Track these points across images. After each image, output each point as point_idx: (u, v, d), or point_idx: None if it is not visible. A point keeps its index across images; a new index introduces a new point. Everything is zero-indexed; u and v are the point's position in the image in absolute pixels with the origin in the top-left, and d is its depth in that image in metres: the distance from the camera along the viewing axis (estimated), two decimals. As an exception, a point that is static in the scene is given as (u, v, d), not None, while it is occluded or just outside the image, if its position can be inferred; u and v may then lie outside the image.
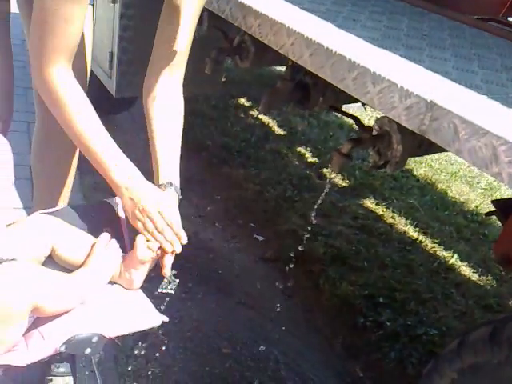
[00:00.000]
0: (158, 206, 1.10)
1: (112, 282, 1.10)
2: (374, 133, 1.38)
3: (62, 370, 1.49)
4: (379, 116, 1.34)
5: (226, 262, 2.23)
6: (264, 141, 3.14)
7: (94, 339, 0.96)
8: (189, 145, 2.28)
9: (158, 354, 1.69)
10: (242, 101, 3.52)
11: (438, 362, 1.28)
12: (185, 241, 1.13)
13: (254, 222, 2.47)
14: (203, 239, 2.29)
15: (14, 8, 1.42)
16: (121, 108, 2.87)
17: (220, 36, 1.71)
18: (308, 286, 2.21)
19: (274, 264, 2.26)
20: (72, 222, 1.11)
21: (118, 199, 1.19)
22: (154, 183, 1.17)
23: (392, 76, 0.97)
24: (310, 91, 1.52)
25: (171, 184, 1.17)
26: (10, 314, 0.89)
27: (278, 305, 2.05)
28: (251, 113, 3.45)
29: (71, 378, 1.40)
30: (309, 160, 3.07)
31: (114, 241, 1.10)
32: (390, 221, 2.74)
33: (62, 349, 0.94)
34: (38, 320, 0.98)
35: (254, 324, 1.96)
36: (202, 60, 1.68)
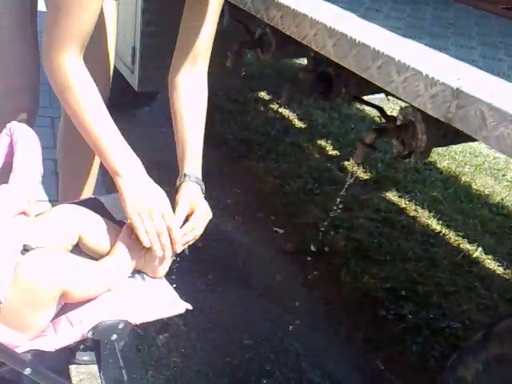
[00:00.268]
0: (162, 206, 1.08)
1: (137, 271, 1.13)
2: (398, 123, 1.39)
3: (86, 358, 1.55)
4: (403, 106, 1.35)
5: (246, 254, 2.25)
6: (284, 134, 3.16)
7: (120, 326, 1.00)
8: (209, 139, 2.31)
9: (179, 344, 1.74)
10: (262, 94, 3.54)
11: (462, 353, 1.28)
12: (178, 250, 1.09)
13: (274, 214, 2.49)
14: (223, 232, 2.32)
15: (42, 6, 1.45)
16: (143, 102, 2.92)
17: (241, 29, 1.72)
18: (329, 278, 2.22)
19: (294, 257, 2.28)
20: (98, 210, 1.14)
21: None
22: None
23: (417, 64, 0.98)
24: (333, 82, 1.53)
25: (195, 176, 1.18)
26: (39, 298, 0.92)
27: (298, 297, 2.08)
28: (271, 106, 3.48)
29: (95, 367, 1.44)
30: (330, 153, 3.08)
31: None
32: (413, 213, 2.73)
33: (89, 335, 0.97)
34: (66, 306, 1.02)
35: (274, 316, 1.98)
36: (223, 53, 1.69)
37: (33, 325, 0.96)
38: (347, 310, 2.07)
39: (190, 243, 1.15)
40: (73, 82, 1.10)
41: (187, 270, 1.94)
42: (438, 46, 1.09)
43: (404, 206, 2.78)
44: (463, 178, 3.15)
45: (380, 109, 1.45)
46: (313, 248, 2.29)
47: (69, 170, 1.68)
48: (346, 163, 2.97)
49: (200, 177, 1.22)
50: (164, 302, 1.08)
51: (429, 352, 1.92)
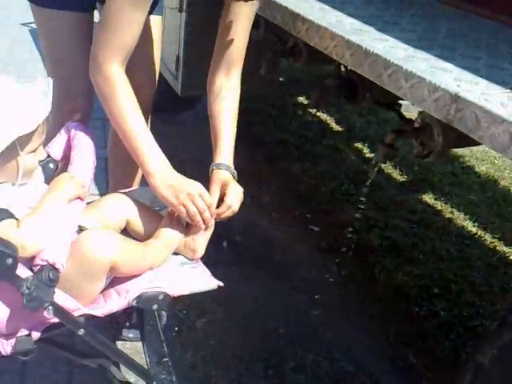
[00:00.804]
0: (197, 188, 1.27)
1: (176, 253, 1.33)
2: (416, 125, 1.53)
3: (131, 335, 1.73)
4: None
5: (282, 249, 2.41)
6: (321, 137, 3.31)
7: (160, 297, 1.19)
8: (248, 140, 2.49)
9: (216, 329, 1.91)
10: (301, 99, 3.70)
11: (481, 341, 1.40)
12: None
13: (309, 213, 2.64)
14: (260, 227, 2.49)
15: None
16: (185, 106, 3.14)
17: (274, 39, 1.91)
18: (362, 275, 2.34)
19: (329, 253, 2.41)
20: (143, 200, 1.35)
21: None
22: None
23: (422, 73, 1.13)
24: (358, 87, 1.69)
25: (225, 165, 1.38)
26: (92, 270, 1.13)
27: (332, 291, 2.22)
28: (309, 110, 3.63)
29: (139, 344, 1.64)
30: (366, 156, 3.21)
31: (178, 216, 1.32)
32: (449, 215, 2.83)
33: (134, 303, 1.17)
34: (114, 281, 1.22)
35: (308, 309, 2.12)
36: (258, 62, 1.88)
37: (86, 294, 1.16)
38: (380, 305, 2.19)
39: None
40: (114, 90, 1.30)
41: (225, 261, 2.13)
42: (445, 56, 1.23)
43: (440, 208, 2.88)
44: (502, 183, 3.20)
45: (398, 112, 1.60)
46: (345, 246, 2.42)
47: (117, 168, 1.90)
48: (382, 166, 3.09)
49: (231, 166, 1.40)
50: (198, 279, 1.27)
51: (460, 348, 2.00)
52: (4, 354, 1.12)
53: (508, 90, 1.10)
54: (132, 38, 1.32)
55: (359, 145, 3.32)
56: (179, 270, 1.28)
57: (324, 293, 2.21)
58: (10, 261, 0.99)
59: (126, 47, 1.31)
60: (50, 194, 1.14)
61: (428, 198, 2.95)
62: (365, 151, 3.25)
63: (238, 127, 1.46)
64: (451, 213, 2.84)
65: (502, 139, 1.00)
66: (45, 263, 1.05)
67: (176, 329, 1.87)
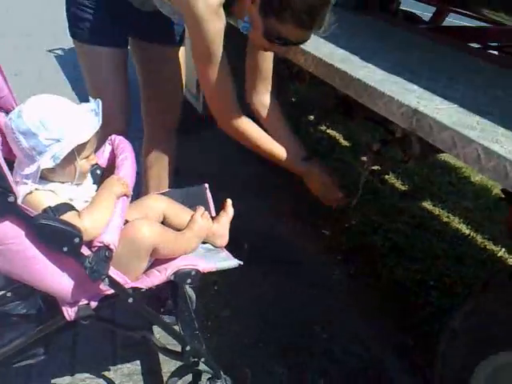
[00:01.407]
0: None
1: (204, 242, 1.60)
2: (398, 135, 1.79)
3: (168, 320, 1.99)
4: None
5: (297, 250, 2.63)
6: (331, 151, 3.55)
7: (193, 273, 1.44)
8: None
9: (239, 319, 2.11)
10: (311, 117, 3.97)
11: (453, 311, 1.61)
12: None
13: (321, 219, 2.88)
14: (277, 232, 2.72)
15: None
16: (204, 126, 3.41)
17: (282, 66, 2.20)
18: (368, 271, 2.55)
19: (339, 253, 2.64)
20: (175, 199, 1.64)
21: (205, 185, 1.71)
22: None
23: (392, 93, 1.40)
24: (352, 106, 1.96)
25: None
26: (138, 250, 1.39)
27: (342, 286, 2.42)
28: (320, 128, 3.89)
29: (175, 328, 1.89)
30: (372, 167, 3.44)
31: (206, 212, 1.61)
32: (445, 220, 3.05)
33: (172, 277, 1.43)
34: (154, 263, 1.49)
35: (320, 301, 2.32)
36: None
37: (133, 271, 1.42)
38: (383, 297, 2.39)
39: None
40: (252, 138, 1.77)
41: (245, 261, 2.38)
42: (412, 79, 1.50)
43: (437, 213, 3.11)
44: (495, 191, 3.39)
45: (383, 125, 1.86)
46: (353, 246, 2.66)
47: (150, 172, 2.17)
48: (386, 176, 3.33)
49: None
50: (223, 259, 1.54)
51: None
52: (68, 318, 1.38)
53: (456, 105, 1.36)
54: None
55: (365, 158, 3.55)
56: (207, 253, 1.56)
57: (334, 287, 2.42)
58: (76, 240, 1.26)
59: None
60: (103, 191, 1.41)
61: (427, 204, 3.18)
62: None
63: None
64: (447, 217, 3.07)
65: (448, 142, 1.26)
66: (101, 244, 1.30)
67: (203, 319, 2.07)
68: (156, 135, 2.17)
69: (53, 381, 1.75)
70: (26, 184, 1.32)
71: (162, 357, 1.88)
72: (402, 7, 3.01)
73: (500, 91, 1.56)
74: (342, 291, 2.41)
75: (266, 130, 1.82)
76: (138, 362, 1.87)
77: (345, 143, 3.75)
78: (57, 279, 1.31)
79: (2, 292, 1.32)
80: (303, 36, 1.55)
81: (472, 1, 2.38)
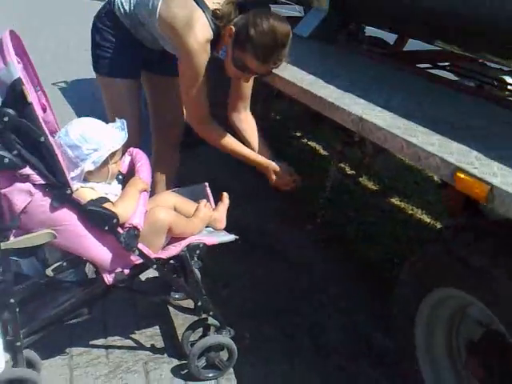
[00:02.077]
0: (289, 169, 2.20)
1: (207, 226, 2.01)
2: (356, 139, 2.22)
3: (177, 296, 2.38)
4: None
5: (284, 242, 2.99)
6: (311, 159, 3.98)
7: (201, 245, 1.86)
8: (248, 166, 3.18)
9: (238, 296, 2.46)
10: (295, 132, 4.41)
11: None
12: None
13: (304, 216, 3.24)
14: (269, 228, 3.10)
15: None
16: (198, 141, 3.81)
17: (265, 88, 2.62)
18: (344, 256, 2.94)
19: (320, 242, 3.02)
20: (182, 195, 2.05)
21: (206, 183, 2.13)
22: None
23: (345, 105, 1.81)
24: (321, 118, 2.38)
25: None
26: (159, 228, 1.80)
27: (323, 268, 2.79)
28: (302, 141, 4.32)
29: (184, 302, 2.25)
30: (348, 172, 3.87)
31: (208, 203, 2.01)
32: (410, 212, 3.46)
33: (184, 249, 1.84)
34: (170, 241, 1.90)
35: (305, 280, 2.68)
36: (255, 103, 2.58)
37: (154, 246, 1.82)
38: (357, 274, 2.77)
39: None
40: (223, 139, 2.17)
41: (239, 250, 2.76)
42: (361, 95, 1.92)
43: (403, 206, 3.52)
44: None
45: (344, 130, 2.28)
46: (331, 236, 3.05)
47: (157, 175, 2.55)
48: (360, 179, 3.75)
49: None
50: (223, 235, 1.96)
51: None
52: (107, 283, 1.79)
53: (390, 113, 1.78)
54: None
55: (341, 164, 3.99)
56: (210, 232, 1.97)
57: (316, 269, 2.79)
58: (114, 221, 1.66)
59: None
60: (129, 188, 1.82)
61: (394, 200, 3.60)
62: (346, 169, 3.91)
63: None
64: (411, 210, 3.48)
65: (382, 138, 1.67)
66: (131, 225, 1.70)
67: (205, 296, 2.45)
68: (162, 149, 2.59)
69: (91, 342, 2.13)
70: (73, 184, 1.72)
71: (176, 322, 2.26)
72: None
73: (426, 100, 1.99)
74: (321, 272, 2.78)
75: (243, 139, 2.23)
76: (157, 327, 2.25)
77: (324, 153, 4.16)
78: (100, 251, 1.72)
79: (59, 263, 1.71)
80: (261, 68, 1.96)
81: (426, 33, 2.82)
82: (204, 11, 1.95)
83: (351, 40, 3.33)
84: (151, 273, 2.00)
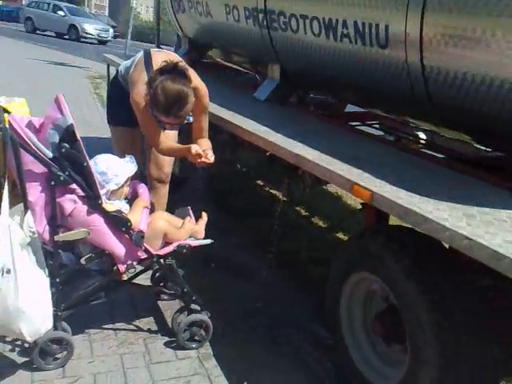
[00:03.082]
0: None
1: (190, 236, 2.74)
2: (299, 172, 3.03)
3: (165, 297, 3.07)
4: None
5: (241, 260, 3.66)
6: (270, 203, 4.76)
7: (187, 246, 2.57)
8: (223, 209, 3.99)
9: (211, 301, 3.18)
10: (258, 182, 5.23)
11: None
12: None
13: (262, 239, 3.96)
14: (235, 250, 3.80)
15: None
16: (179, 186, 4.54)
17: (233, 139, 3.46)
18: (286, 258, 3.69)
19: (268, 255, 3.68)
20: (172, 214, 2.80)
21: (188, 207, 2.89)
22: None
23: (288, 147, 2.63)
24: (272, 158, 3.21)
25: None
26: (158, 233, 2.52)
27: (274, 275, 3.49)
28: (265, 189, 5.12)
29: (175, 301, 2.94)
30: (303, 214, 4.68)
31: (192, 219, 2.76)
32: (340, 234, 4.31)
33: (176, 248, 2.56)
34: (165, 244, 2.63)
35: (264, 294, 3.32)
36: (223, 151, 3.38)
37: (154, 245, 2.53)
38: (302, 270, 3.55)
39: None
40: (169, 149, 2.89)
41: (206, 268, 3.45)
42: (302, 142, 2.76)
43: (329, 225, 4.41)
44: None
45: (291, 168, 3.10)
46: (274, 249, 3.75)
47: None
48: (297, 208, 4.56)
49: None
50: (203, 240, 2.69)
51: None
52: (121, 271, 2.48)
53: (318, 152, 2.60)
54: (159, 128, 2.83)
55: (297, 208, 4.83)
56: (194, 239, 2.71)
57: (272, 283, 3.47)
58: (128, 224, 2.39)
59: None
60: (135, 205, 2.55)
61: (316, 220, 4.49)
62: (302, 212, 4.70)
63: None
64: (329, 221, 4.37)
65: (311, 168, 2.45)
66: (139, 229, 2.43)
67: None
68: (153, 185, 3.36)
69: (103, 325, 2.77)
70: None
71: (167, 314, 2.92)
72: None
73: (349, 145, 2.85)
74: (273, 275, 3.47)
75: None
76: (152, 317, 2.91)
77: (282, 198, 4.96)
78: (118, 246, 2.42)
79: (90, 254, 2.40)
80: (168, 120, 2.64)
81: (363, 103, 3.71)
82: (148, 74, 2.67)
83: (301, 102, 4.26)
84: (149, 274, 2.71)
